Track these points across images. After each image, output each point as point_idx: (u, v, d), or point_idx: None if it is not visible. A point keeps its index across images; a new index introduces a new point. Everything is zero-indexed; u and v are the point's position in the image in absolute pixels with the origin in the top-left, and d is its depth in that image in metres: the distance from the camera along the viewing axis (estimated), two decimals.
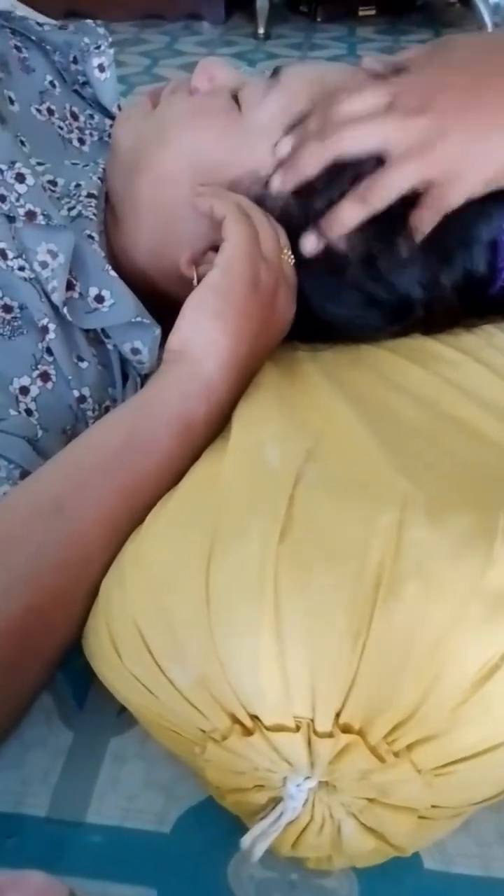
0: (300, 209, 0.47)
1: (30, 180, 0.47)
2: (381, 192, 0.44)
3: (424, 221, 0.45)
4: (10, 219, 0.46)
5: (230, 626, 0.29)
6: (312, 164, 0.45)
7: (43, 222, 0.46)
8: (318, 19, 1.86)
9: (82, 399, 0.48)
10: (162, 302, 0.52)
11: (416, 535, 0.29)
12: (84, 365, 0.49)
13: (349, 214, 0.45)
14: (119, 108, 0.64)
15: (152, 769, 0.39)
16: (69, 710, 0.42)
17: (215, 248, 0.49)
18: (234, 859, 0.36)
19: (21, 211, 0.46)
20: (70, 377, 0.47)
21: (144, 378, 0.53)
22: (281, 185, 0.47)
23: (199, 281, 0.48)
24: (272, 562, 0.29)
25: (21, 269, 0.46)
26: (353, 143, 0.44)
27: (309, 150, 0.45)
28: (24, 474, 0.43)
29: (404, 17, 1.85)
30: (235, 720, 0.30)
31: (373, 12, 1.86)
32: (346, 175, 0.45)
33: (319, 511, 0.31)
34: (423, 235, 0.45)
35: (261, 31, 1.75)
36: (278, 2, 1.83)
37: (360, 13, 1.85)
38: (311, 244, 0.46)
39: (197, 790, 0.38)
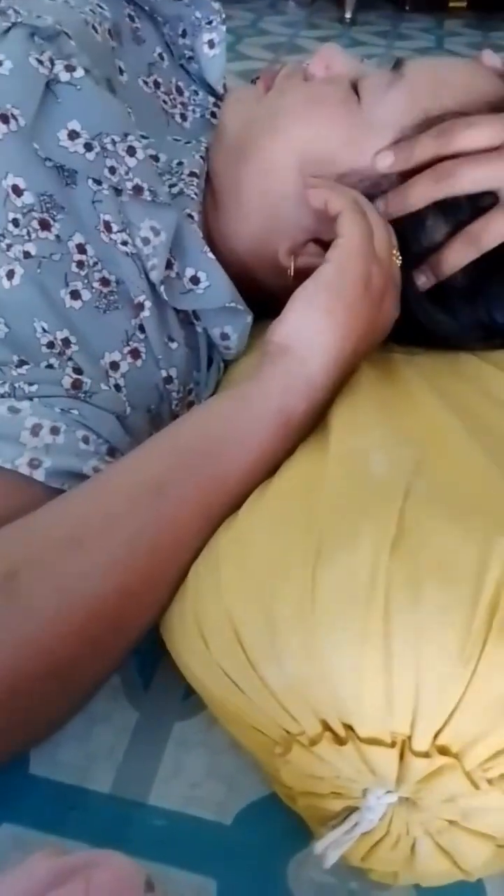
0: (409, 227, 0.46)
1: (140, 154, 0.46)
2: (493, 235, 0.44)
3: None
4: (118, 192, 0.46)
5: (335, 632, 0.29)
6: (424, 198, 0.45)
7: (149, 198, 0.46)
8: (407, 8, 1.82)
9: (169, 380, 0.48)
10: (254, 290, 0.51)
11: None
12: (174, 345, 0.48)
13: (461, 256, 0.45)
14: (224, 87, 0.63)
15: (215, 758, 0.39)
16: (135, 689, 0.42)
17: (317, 241, 0.49)
18: (294, 859, 0.36)
19: (129, 185, 0.45)
20: (160, 356, 0.47)
21: (227, 364, 0.52)
22: (384, 211, 0.46)
23: (295, 273, 0.48)
24: (384, 573, 0.29)
25: (124, 243, 0.46)
26: (467, 183, 0.43)
27: (422, 183, 0.44)
28: (112, 450, 0.42)
29: (495, 12, 1.80)
30: (327, 727, 0.29)
31: (463, 5, 1.81)
32: (458, 211, 0.45)
33: (432, 527, 0.30)
34: None
35: (347, 15, 1.71)
36: None
37: (451, 5, 1.80)
38: (422, 281, 0.46)
39: (259, 784, 0.38)
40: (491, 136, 0.43)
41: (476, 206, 0.45)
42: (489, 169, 0.43)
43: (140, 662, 0.43)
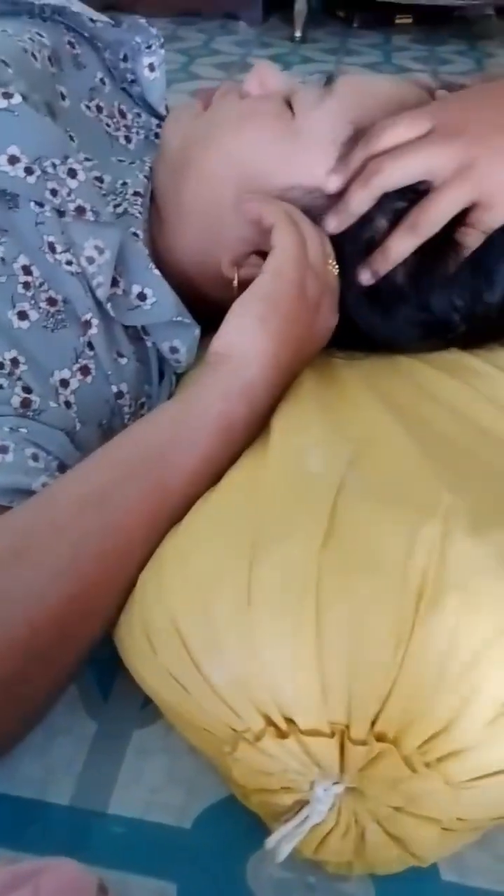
0: (350, 231, 0.47)
1: (81, 176, 0.47)
2: (430, 221, 0.45)
3: (468, 242, 0.45)
4: (61, 213, 0.47)
5: (270, 627, 0.30)
6: (362, 201, 0.46)
7: (92, 218, 0.47)
8: (355, 25, 1.87)
9: (120, 395, 0.49)
10: (201, 303, 0.52)
11: (459, 548, 0.29)
12: (123, 361, 0.49)
13: (401, 246, 0.46)
14: (166, 108, 0.64)
15: (175, 764, 0.40)
16: (94, 700, 0.43)
17: (258, 253, 0.50)
18: (253, 858, 0.36)
19: (71, 206, 0.46)
20: (109, 372, 0.48)
21: (179, 377, 0.53)
22: (336, 227, 0.47)
23: (239, 284, 0.49)
24: (315, 566, 0.30)
25: (69, 263, 0.47)
26: (395, 175, 0.45)
27: (357, 188, 0.46)
28: (62, 466, 0.43)
29: (440, 27, 1.85)
30: (270, 722, 0.30)
31: (409, 20, 1.86)
32: (392, 202, 0.46)
33: (362, 519, 0.31)
34: (470, 250, 0.46)
35: (297, 34, 1.75)
36: (316, 6, 1.83)
37: (397, 21, 1.85)
38: (365, 278, 0.47)
39: (218, 787, 0.38)
40: (414, 127, 0.45)
41: (411, 195, 0.45)
42: (413, 157, 0.44)
43: (98, 673, 0.43)
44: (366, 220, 0.47)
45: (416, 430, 0.39)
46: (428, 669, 0.28)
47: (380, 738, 0.29)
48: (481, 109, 0.46)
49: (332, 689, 0.29)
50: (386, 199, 0.46)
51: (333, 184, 0.47)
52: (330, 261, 0.47)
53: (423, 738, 0.29)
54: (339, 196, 0.47)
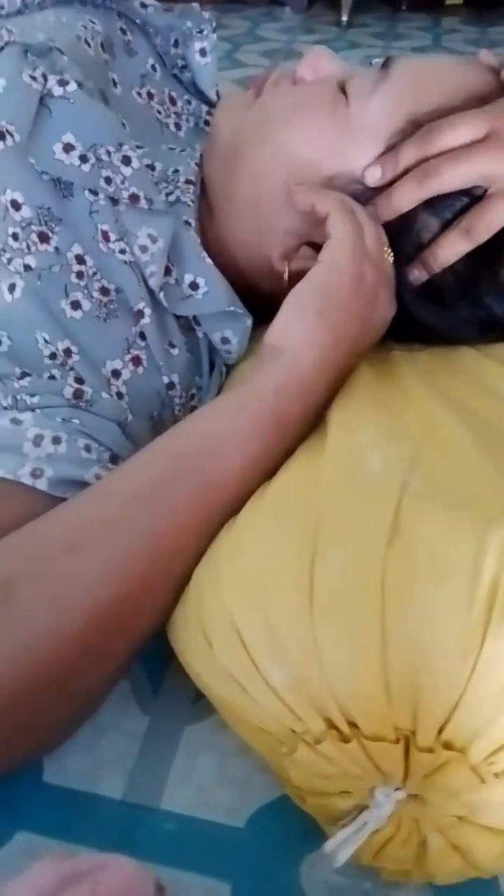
0: (401, 225, 0.46)
1: (135, 163, 0.47)
2: (485, 227, 0.44)
3: None
4: (114, 201, 0.46)
5: (333, 630, 0.29)
6: (410, 201, 0.45)
7: (146, 206, 0.46)
8: (403, 8, 1.82)
9: (171, 386, 0.48)
10: (251, 293, 0.51)
11: None
12: (175, 351, 0.49)
13: (453, 249, 0.45)
14: (217, 94, 0.63)
15: (226, 762, 0.39)
16: (144, 695, 0.42)
17: (310, 244, 0.49)
18: (306, 861, 0.36)
19: (125, 194, 0.46)
20: (161, 363, 0.47)
21: (229, 369, 0.52)
22: (374, 215, 0.46)
23: (290, 277, 0.48)
24: (380, 568, 0.29)
25: (122, 252, 0.46)
26: (452, 179, 0.44)
27: (406, 186, 0.44)
28: (114, 458, 0.43)
29: (491, 8, 1.80)
30: (331, 725, 0.29)
31: (460, 2, 1.82)
32: (448, 202, 0.45)
33: (428, 521, 0.30)
34: None
35: (344, 18, 1.72)
36: None
37: (447, 2, 1.80)
38: (415, 276, 0.46)
39: (271, 787, 0.38)
40: (472, 130, 0.43)
41: (466, 199, 0.44)
42: (472, 163, 0.43)
43: (149, 668, 0.43)
44: (417, 215, 0.45)
45: (477, 428, 0.38)
46: (499, 679, 0.27)
47: (447, 746, 0.28)
48: None
49: (398, 694, 0.28)
50: (439, 199, 0.45)
51: (373, 176, 0.46)
52: (386, 249, 0.46)
53: (493, 748, 0.28)
54: (383, 188, 0.46)
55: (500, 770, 0.28)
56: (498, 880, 0.35)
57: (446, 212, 0.45)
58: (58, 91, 0.45)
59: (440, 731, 0.28)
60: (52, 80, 0.45)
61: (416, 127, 0.45)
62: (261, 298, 0.51)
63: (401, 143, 0.45)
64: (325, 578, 0.30)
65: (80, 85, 0.46)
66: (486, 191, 0.44)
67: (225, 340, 0.50)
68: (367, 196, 0.47)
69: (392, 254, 0.46)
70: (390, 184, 0.46)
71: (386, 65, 0.49)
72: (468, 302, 0.47)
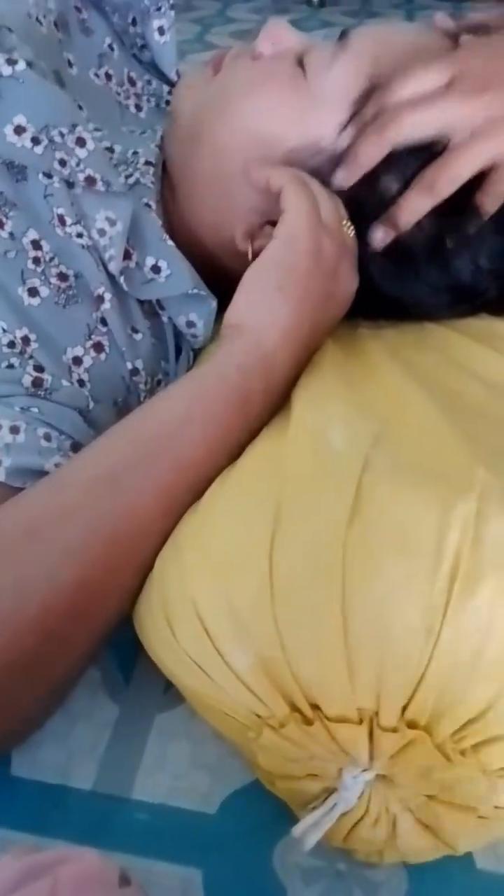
0: (362, 192, 0.45)
1: (90, 145, 0.45)
2: (448, 180, 0.42)
3: (490, 201, 0.43)
4: (70, 184, 0.45)
5: (294, 611, 0.28)
6: (373, 154, 0.43)
7: (102, 188, 0.45)
8: None
9: (135, 371, 0.47)
10: (216, 275, 0.50)
11: (495, 528, 0.28)
12: (138, 337, 0.48)
13: (417, 205, 0.43)
14: (178, 73, 0.62)
15: (198, 748, 0.39)
16: (115, 684, 0.42)
17: (272, 223, 0.48)
18: (279, 845, 0.35)
19: (81, 176, 0.45)
20: (124, 349, 0.46)
21: (197, 352, 0.52)
22: (344, 180, 0.45)
23: (254, 255, 0.47)
24: (340, 546, 0.28)
25: (79, 235, 0.45)
26: (413, 128, 0.42)
27: (368, 140, 0.43)
28: (75, 445, 0.42)
29: None
30: (295, 708, 0.29)
31: None
32: (408, 160, 0.43)
33: (390, 497, 0.29)
34: (489, 215, 0.43)
35: None
36: None
37: None
38: (379, 237, 0.45)
39: (243, 772, 0.37)
40: (432, 77, 0.42)
41: (426, 154, 0.43)
42: (431, 111, 0.41)
43: (119, 656, 0.42)
44: (377, 179, 0.44)
45: (446, 403, 0.37)
46: (462, 655, 0.26)
47: (411, 725, 0.27)
48: None
49: (360, 674, 0.27)
50: (399, 157, 0.43)
51: (344, 139, 0.44)
52: (344, 222, 0.45)
53: (458, 726, 0.27)
54: (339, 155, 0.45)
55: (465, 747, 0.28)
56: (472, 856, 0.35)
57: (407, 169, 0.43)
58: (6, 71, 0.44)
59: (403, 710, 0.27)
60: (1, 59, 0.44)
61: (375, 89, 0.44)
62: (227, 280, 0.50)
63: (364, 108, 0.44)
64: (284, 558, 0.29)
65: (30, 64, 0.44)
66: (445, 145, 0.42)
67: (190, 324, 0.49)
68: (330, 168, 0.46)
69: (352, 227, 0.45)
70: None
71: (343, 36, 0.48)
72: (436, 266, 0.45)
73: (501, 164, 0.41)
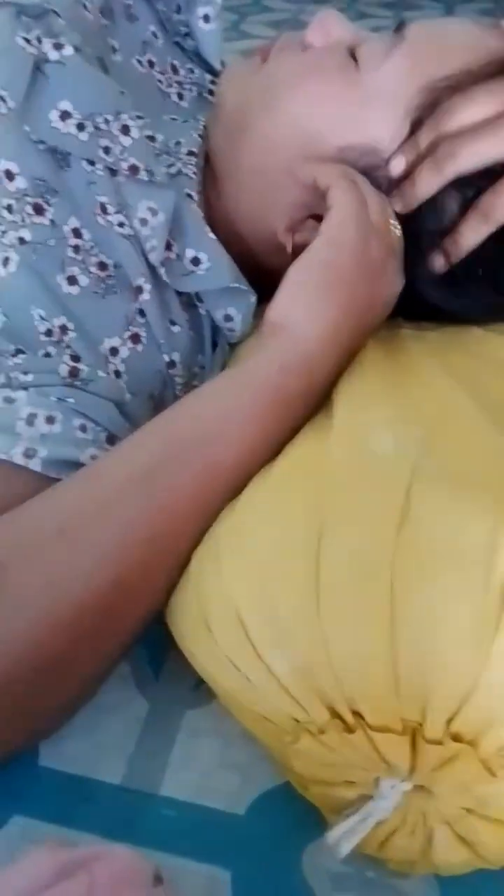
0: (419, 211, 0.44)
1: (135, 133, 0.45)
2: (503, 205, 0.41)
3: None
4: (113, 172, 0.45)
5: (339, 617, 0.28)
6: (431, 186, 0.43)
7: (146, 178, 0.45)
8: None
9: (172, 364, 0.47)
10: (257, 270, 0.50)
11: None
12: (176, 329, 0.47)
13: (474, 233, 0.43)
14: (222, 63, 0.61)
15: (228, 748, 0.38)
16: (145, 678, 0.42)
17: (315, 217, 0.47)
18: (309, 849, 0.35)
19: (124, 165, 0.44)
20: (161, 341, 0.46)
21: (233, 347, 0.51)
22: (401, 209, 0.44)
23: (294, 250, 0.46)
24: (389, 553, 0.28)
25: (121, 225, 0.45)
26: (473, 159, 0.41)
27: (427, 172, 0.42)
28: (111, 438, 0.42)
29: None
30: (335, 714, 0.28)
31: None
32: (467, 188, 0.43)
33: (440, 504, 0.29)
34: None
35: None
36: None
37: None
38: (438, 265, 0.44)
39: (273, 773, 0.37)
40: (491, 105, 0.41)
41: (486, 178, 0.42)
42: (491, 140, 0.41)
43: (150, 652, 0.42)
44: (435, 202, 0.44)
45: (492, 408, 0.36)
46: None
47: (456, 738, 0.27)
48: None
49: (406, 684, 0.27)
50: (460, 180, 0.43)
51: (398, 166, 0.44)
52: (392, 222, 0.44)
53: None
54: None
55: None
56: None
57: (468, 190, 0.43)
58: (53, 55, 0.43)
59: (449, 722, 0.27)
60: (48, 44, 0.43)
61: (433, 93, 0.43)
62: (267, 275, 0.49)
63: (420, 116, 0.43)
64: (332, 563, 0.29)
65: (77, 49, 0.44)
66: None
67: (228, 318, 0.49)
68: (381, 169, 0.45)
69: (399, 227, 0.44)
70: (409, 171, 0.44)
71: (399, 29, 0.47)
72: (484, 285, 0.45)
73: None
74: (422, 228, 0.44)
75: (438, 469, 0.31)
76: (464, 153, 0.41)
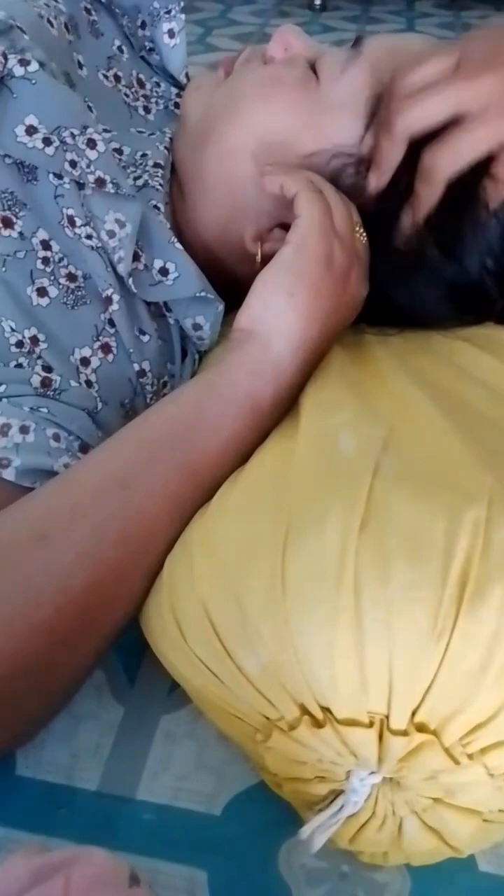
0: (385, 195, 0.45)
1: (101, 146, 0.46)
2: (443, 166, 0.41)
3: (492, 194, 0.43)
4: (80, 185, 0.45)
5: (306, 615, 0.28)
6: (394, 154, 0.43)
7: (112, 190, 0.45)
8: None
9: (142, 373, 0.47)
10: (225, 279, 0.51)
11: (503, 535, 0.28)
12: (145, 338, 0.48)
13: (427, 197, 0.43)
14: (187, 76, 0.62)
15: (203, 750, 0.39)
16: (120, 685, 0.42)
17: (282, 226, 0.48)
18: (284, 846, 0.36)
19: (91, 178, 0.45)
20: (131, 350, 0.47)
21: (202, 355, 0.52)
22: (375, 184, 0.45)
23: (262, 258, 0.47)
24: (352, 552, 0.28)
25: (89, 237, 0.45)
26: (421, 115, 0.41)
27: (385, 142, 0.43)
28: (84, 447, 0.42)
29: None
30: (305, 711, 0.29)
31: None
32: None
33: (400, 503, 0.30)
34: (497, 205, 0.43)
35: (317, 2, 1.70)
36: None
37: None
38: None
39: (248, 774, 0.38)
40: (437, 64, 0.41)
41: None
42: (438, 94, 0.40)
43: (125, 658, 0.43)
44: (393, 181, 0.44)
45: (452, 410, 0.38)
46: (472, 660, 0.27)
47: (421, 728, 0.28)
48: None
49: (372, 678, 0.28)
50: (417, 148, 0.42)
51: (365, 146, 0.44)
52: (358, 228, 0.45)
53: (467, 730, 0.28)
54: (366, 160, 0.45)
55: (474, 751, 0.28)
56: (474, 858, 0.35)
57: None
58: (19, 71, 0.44)
59: (414, 713, 0.28)
60: (13, 60, 0.44)
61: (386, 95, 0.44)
62: (235, 284, 0.50)
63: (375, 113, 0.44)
64: (297, 563, 0.29)
65: (42, 65, 0.45)
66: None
67: (197, 327, 0.50)
68: (347, 173, 0.46)
69: (364, 234, 0.46)
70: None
71: (357, 43, 0.48)
72: (442, 263, 0.45)
73: None
74: (388, 211, 0.45)
75: (399, 468, 0.32)
76: (409, 109, 0.41)
